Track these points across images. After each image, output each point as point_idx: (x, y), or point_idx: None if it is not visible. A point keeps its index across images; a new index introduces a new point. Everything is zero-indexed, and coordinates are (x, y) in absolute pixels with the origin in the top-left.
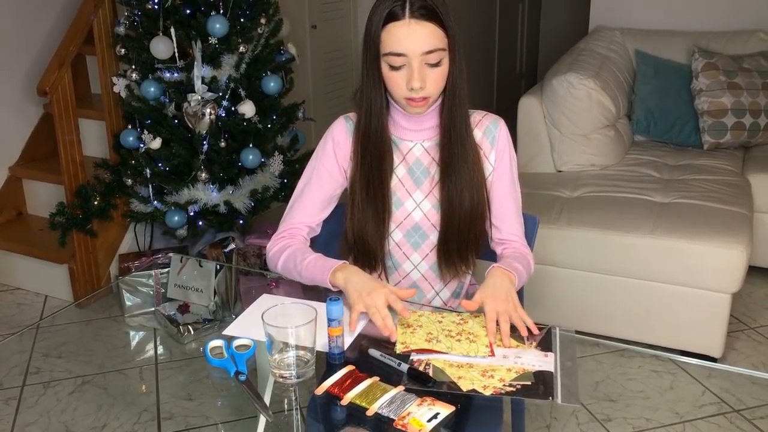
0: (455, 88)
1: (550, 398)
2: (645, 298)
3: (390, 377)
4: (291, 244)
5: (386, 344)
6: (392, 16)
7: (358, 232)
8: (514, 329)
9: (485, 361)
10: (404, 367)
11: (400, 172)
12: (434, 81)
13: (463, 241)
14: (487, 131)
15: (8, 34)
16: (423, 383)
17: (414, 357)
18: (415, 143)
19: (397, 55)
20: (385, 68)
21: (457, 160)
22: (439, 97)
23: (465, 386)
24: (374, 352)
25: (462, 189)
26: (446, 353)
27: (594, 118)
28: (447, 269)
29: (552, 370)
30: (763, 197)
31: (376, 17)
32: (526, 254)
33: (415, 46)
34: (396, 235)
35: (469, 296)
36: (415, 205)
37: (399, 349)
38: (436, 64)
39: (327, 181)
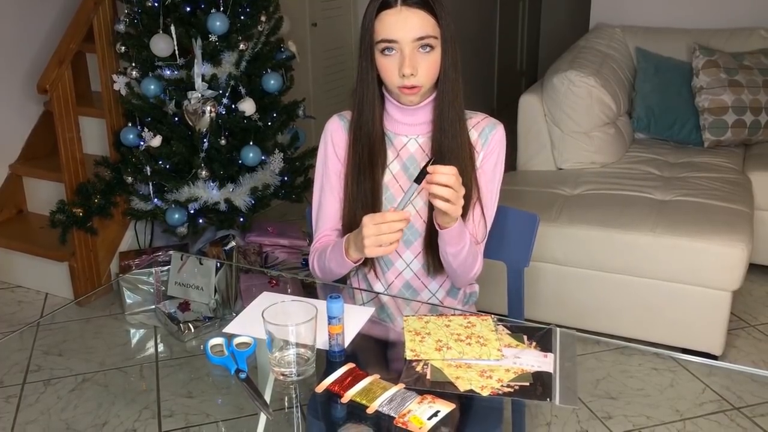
0: (447, 79)
1: (548, 399)
2: (645, 296)
3: (390, 374)
4: (317, 250)
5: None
6: (385, 5)
7: (349, 224)
8: (515, 330)
9: (491, 362)
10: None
11: (394, 168)
12: (426, 68)
13: None
14: (483, 133)
15: (8, 32)
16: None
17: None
18: (409, 138)
19: (389, 41)
20: (378, 56)
21: (448, 154)
22: (434, 91)
23: (463, 386)
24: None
25: None
26: (459, 359)
27: (594, 116)
28: (434, 265)
29: (551, 370)
30: (764, 195)
31: (371, 7)
32: (478, 251)
33: (406, 33)
34: None
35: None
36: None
37: (409, 356)
38: (428, 51)
39: (338, 185)
